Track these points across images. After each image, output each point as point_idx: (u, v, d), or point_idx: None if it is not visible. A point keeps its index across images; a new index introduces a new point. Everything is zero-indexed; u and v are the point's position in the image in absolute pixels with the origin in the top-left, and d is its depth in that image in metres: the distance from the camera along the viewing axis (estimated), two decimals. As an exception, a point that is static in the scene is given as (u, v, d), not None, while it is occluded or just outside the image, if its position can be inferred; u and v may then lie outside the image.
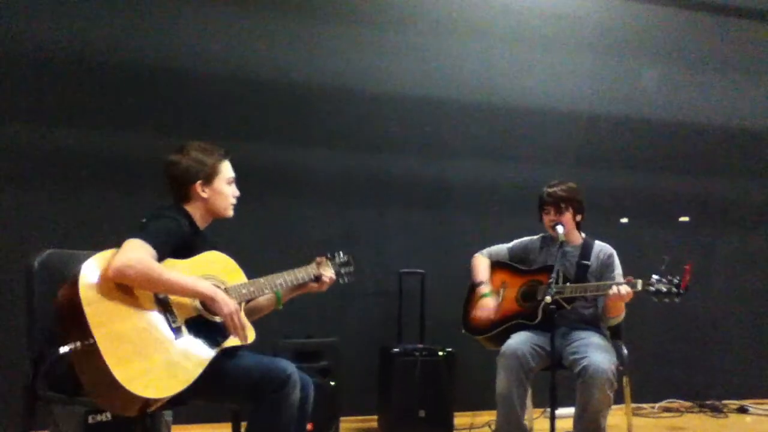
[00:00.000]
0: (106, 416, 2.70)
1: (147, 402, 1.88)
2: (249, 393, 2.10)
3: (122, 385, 1.81)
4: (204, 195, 2.28)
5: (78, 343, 1.85)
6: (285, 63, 4.08)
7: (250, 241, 3.68)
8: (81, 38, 3.71)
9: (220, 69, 3.95)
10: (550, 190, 3.15)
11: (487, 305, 3.20)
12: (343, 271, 2.57)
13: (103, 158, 3.72)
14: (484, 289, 3.26)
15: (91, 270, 1.93)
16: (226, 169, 2.36)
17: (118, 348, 1.86)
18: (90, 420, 2.66)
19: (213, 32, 3.96)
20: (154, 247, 2.00)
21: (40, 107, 3.65)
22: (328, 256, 2.56)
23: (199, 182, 2.27)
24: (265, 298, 2.46)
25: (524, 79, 4.55)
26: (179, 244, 2.13)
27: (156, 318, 1.99)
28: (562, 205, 3.12)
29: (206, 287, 2.05)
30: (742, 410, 4.57)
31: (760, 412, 4.55)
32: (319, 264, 2.48)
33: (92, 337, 1.83)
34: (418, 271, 4.08)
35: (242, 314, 2.13)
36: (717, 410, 4.52)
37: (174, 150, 2.31)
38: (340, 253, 2.61)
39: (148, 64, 3.83)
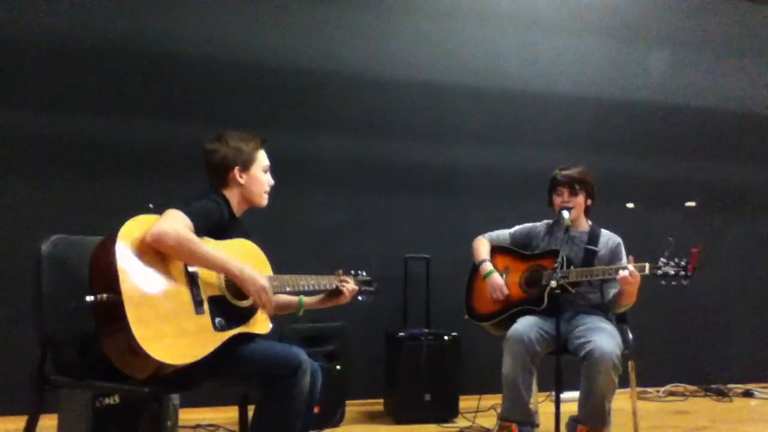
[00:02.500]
0: (114, 399, 2.72)
1: (159, 366, 1.91)
2: (261, 378, 2.13)
3: (139, 343, 1.84)
4: (241, 181, 2.33)
5: (104, 295, 1.89)
6: (291, 49, 4.06)
7: (257, 227, 3.67)
8: (85, 25, 3.71)
9: (226, 56, 3.94)
10: (564, 171, 3.13)
11: (496, 282, 3.18)
12: (362, 288, 2.61)
13: (110, 145, 3.73)
14: (487, 266, 3.23)
15: (130, 229, 1.99)
16: (263, 157, 2.42)
17: (142, 307, 1.90)
18: (98, 403, 2.68)
19: (218, 19, 3.94)
20: (193, 222, 2.05)
21: (44, 94, 3.65)
22: (352, 273, 2.61)
23: (237, 168, 2.32)
24: (285, 299, 2.51)
25: (531, 63, 4.52)
26: (216, 226, 2.19)
27: (182, 288, 2.03)
28: (577, 187, 3.11)
29: (235, 265, 2.09)
30: (747, 394, 4.59)
31: (765, 396, 4.56)
32: (339, 275, 2.53)
33: (119, 292, 1.87)
34: (424, 256, 4.08)
35: (270, 293, 2.15)
36: (722, 394, 4.53)
37: (212, 139, 2.37)
38: (363, 272, 2.66)
39: (153, 50, 3.83)
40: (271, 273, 2.33)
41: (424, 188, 4.28)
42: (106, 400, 2.72)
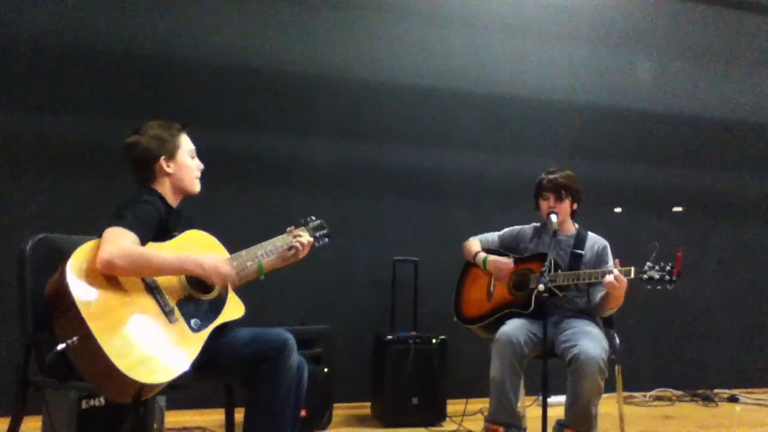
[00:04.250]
0: (99, 401, 2.70)
1: (144, 387, 1.87)
2: (249, 362, 2.12)
3: (125, 374, 1.81)
4: (169, 170, 2.26)
5: (75, 339, 1.83)
6: (280, 52, 4.06)
7: (245, 229, 3.63)
8: (72, 25, 3.69)
9: (214, 57, 3.93)
10: (550, 177, 3.14)
11: (498, 261, 3.19)
12: (317, 234, 2.54)
13: (94, 144, 3.70)
14: (482, 255, 3.25)
15: (77, 263, 1.91)
16: (186, 142, 2.33)
17: (117, 338, 1.85)
18: (83, 405, 2.66)
19: (206, 20, 3.93)
20: (137, 233, 1.99)
21: (28, 94, 3.62)
22: (301, 222, 2.55)
23: (162, 158, 2.24)
24: (245, 270, 2.44)
25: (520, 69, 4.54)
26: (158, 226, 2.12)
27: (148, 304, 1.99)
28: (563, 193, 3.12)
29: (193, 259, 2.05)
30: (733, 399, 4.61)
31: (751, 401, 4.59)
32: (291, 232, 2.46)
33: (89, 331, 1.82)
34: (412, 259, 4.08)
35: (233, 276, 2.16)
36: (708, 399, 4.55)
37: (130, 132, 2.29)
38: (312, 217, 2.59)
39: (140, 51, 3.81)
40: (227, 255, 2.27)
41: (413, 191, 4.29)
42: (92, 402, 2.70)
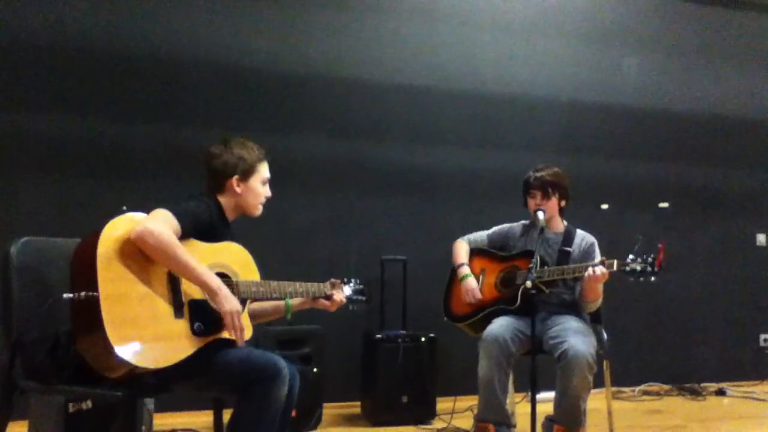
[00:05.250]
0: (86, 404, 2.68)
1: (132, 367, 1.90)
2: (238, 383, 2.10)
3: (111, 345, 1.84)
4: (238, 190, 2.35)
5: (82, 293, 1.89)
6: (271, 50, 4.05)
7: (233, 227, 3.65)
8: (62, 24, 3.66)
9: (206, 56, 3.91)
10: (537, 174, 3.14)
11: (470, 286, 3.20)
12: (354, 297, 2.61)
13: (81, 145, 3.68)
14: (464, 270, 3.26)
15: (115, 227, 1.98)
16: (264, 170, 2.44)
17: (117, 309, 1.90)
18: (70, 409, 2.64)
19: (198, 19, 3.91)
20: (180, 223, 2.05)
21: (17, 94, 3.59)
22: (344, 280, 2.60)
23: (235, 177, 2.34)
24: (272, 304, 2.50)
25: (507, 66, 4.55)
26: (205, 228, 2.18)
27: (162, 291, 2.03)
28: (550, 190, 3.12)
29: (213, 280, 2.05)
30: (720, 393, 4.64)
31: (738, 394, 4.62)
32: (333, 285, 2.52)
33: (95, 289, 1.87)
34: (401, 257, 4.08)
35: (244, 314, 2.14)
36: (696, 393, 4.58)
37: (217, 142, 2.38)
38: (357, 280, 2.66)
39: (134, 50, 3.79)
40: (258, 278, 2.30)
41: (401, 190, 4.29)
42: (79, 405, 2.67)
